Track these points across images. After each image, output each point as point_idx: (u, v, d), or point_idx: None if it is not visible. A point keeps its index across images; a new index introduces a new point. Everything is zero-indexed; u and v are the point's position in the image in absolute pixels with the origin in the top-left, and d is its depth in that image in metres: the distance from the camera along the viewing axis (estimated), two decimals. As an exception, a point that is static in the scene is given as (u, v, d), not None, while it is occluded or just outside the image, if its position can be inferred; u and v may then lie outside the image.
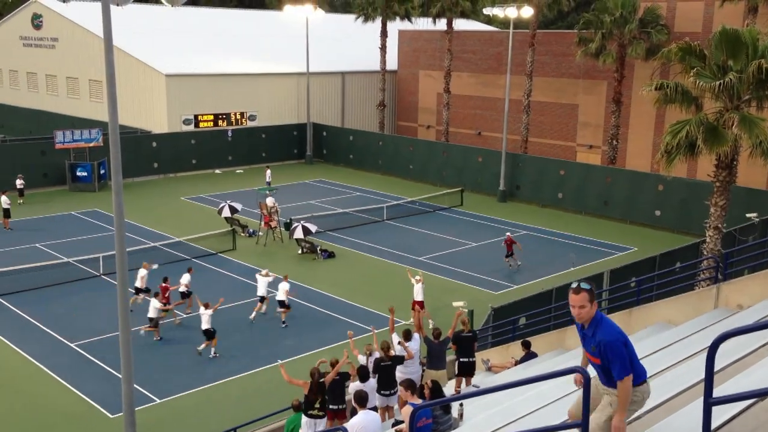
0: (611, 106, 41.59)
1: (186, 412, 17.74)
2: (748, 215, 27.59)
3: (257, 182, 41.58)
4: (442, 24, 49.19)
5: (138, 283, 23.46)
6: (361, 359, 14.46)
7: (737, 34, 19.61)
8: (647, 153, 41.87)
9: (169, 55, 48.29)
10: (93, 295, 24.97)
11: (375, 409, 13.17)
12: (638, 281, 17.12)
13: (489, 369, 16.44)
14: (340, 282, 26.63)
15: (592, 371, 5.90)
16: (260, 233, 31.96)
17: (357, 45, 57.17)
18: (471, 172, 42.53)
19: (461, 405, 11.42)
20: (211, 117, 47.91)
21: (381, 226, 34.84)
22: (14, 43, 58.52)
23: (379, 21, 51.16)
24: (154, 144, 44.52)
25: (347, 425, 10.37)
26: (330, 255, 29.68)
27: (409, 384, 10.25)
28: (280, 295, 22.61)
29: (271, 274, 23.82)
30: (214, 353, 20.46)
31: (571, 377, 6.45)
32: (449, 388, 15.07)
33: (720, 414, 5.85)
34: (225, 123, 48.37)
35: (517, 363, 15.65)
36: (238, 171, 47.14)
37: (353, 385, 13.33)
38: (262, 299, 23.27)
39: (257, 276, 23.79)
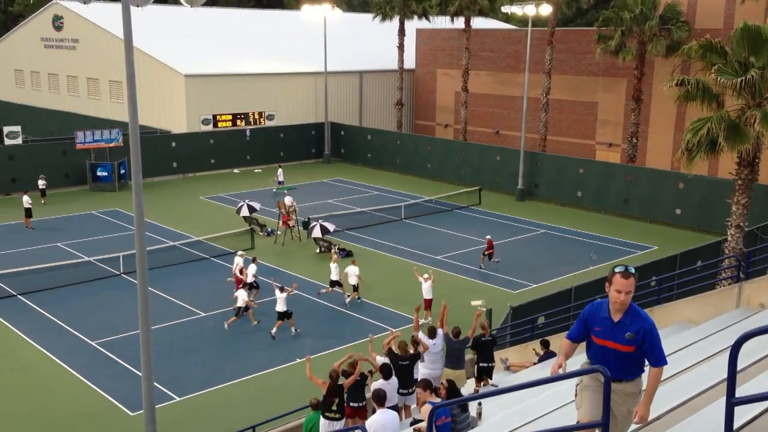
0: (631, 103, 41.27)
1: (205, 409, 17.85)
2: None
3: (275, 182, 41.73)
4: (459, 22, 49.10)
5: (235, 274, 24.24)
6: (380, 360, 14.48)
7: (759, 31, 19.38)
8: (668, 151, 41.52)
9: (188, 56, 48.61)
10: (113, 293, 25.18)
11: (395, 407, 13.17)
12: (659, 280, 16.99)
13: (507, 368, 16.40)
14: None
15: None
16: (278, 232, 32.07)
17: (375, 44, 57.19)
18: (489, 170, 42.39)
19: (479, 404, 11.40)
20: (230, 117, 48.16)
21: (399, 225, 34.83)
22: (36, 44, 59.17)
23: (396, 20, 51.16)
24: (174, 144, 44.82)
25: (366, 424, 10.39)
26: (348, 254, 29.72)
27: (426, 384, 10.27)
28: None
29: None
30: (295, 330, 21.92)
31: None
32: (468, 387, 15.06)
33: (742, 414, 5.80)
34: (243, 123, 48.61)
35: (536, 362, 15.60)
36: (256, 170, 47.34)
37: (376, 383, 13.36)
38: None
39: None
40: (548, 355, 15.35)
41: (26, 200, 33.00)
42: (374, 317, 23.31)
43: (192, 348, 21.16)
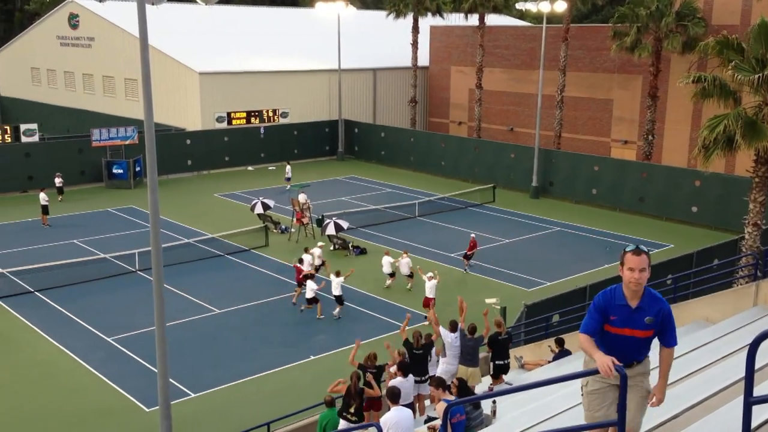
0: (647, 100, 40.98)
1: (220, 406, 17.94)
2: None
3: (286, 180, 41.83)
4: (473, 19, 48.95)
5: (306, 267, 24.46)
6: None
7: (777, 27, 19.20)
8: (684, 148, 41.21)
9: (203, 54, 48.79)
10: (129, 290, 25.35)
11: (410, 405, 13.23)
12: (675, 278, 16.90)
13: (522, 366, 16.36)
14: (372, 278, 26.66)
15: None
16: (292, 230, 32.15)
17: (388, 41, 57.15)
18: (503, 168, 42.27)
19: (494, 402, 11.38)
20: (244, 114, 48.31)
21: (413, 222, 34.81)
22: (52, 42, 59.60)
23: (410, 17, 51.10)
24: (188, 141, 45.02)
25: (381, 421, 10.41)
26: (362, 251, 29.75)
27: (439, 382, 10.29)
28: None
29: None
30: (338, 315, 23.00)
31: None
32: (484, 384, 15.05)
33: (759, 413, 5.75)
34: (257, 120, 48.73)
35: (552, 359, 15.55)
36: (270, 168, 47.46)
37: (393, 381, 13.42)
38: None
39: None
40: (563, 353, 15.29)
41: (43, 197, 33.27)
42: (389, 314, 23.31)
43: (207, 345, 21.26)
